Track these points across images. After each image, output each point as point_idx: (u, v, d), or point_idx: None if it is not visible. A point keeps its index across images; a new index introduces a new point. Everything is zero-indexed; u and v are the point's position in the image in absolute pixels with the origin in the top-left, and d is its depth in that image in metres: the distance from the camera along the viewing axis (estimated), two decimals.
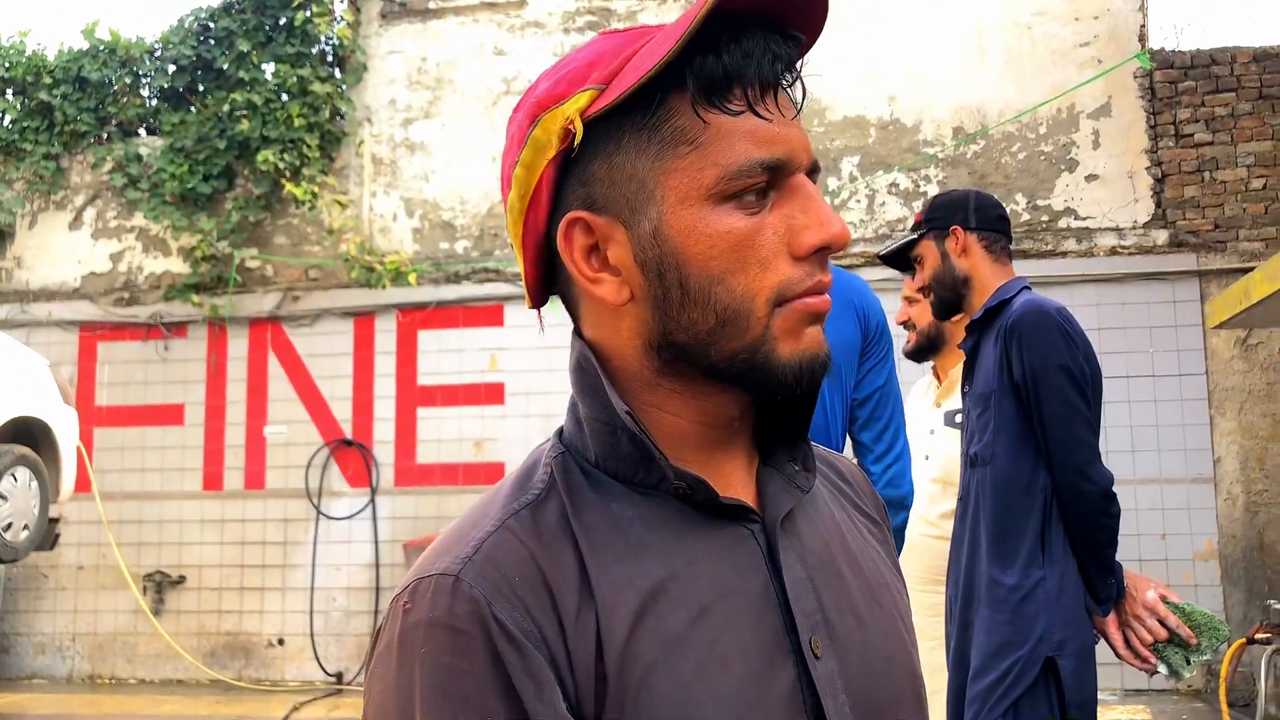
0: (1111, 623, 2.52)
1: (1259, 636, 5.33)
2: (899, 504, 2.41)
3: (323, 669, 7.94)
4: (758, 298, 0.77)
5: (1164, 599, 2.53)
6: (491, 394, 7.98)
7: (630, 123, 0.77)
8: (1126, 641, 2.52)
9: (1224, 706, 5.35)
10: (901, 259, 2.85)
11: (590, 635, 0.72)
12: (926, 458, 3.32)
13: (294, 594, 8.07)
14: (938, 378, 3.49)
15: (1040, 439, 2.48)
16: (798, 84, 0.80)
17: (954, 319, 2.88)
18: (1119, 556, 2.53)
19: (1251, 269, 6.34)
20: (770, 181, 0.77)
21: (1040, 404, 2.46)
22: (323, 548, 8.07)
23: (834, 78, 7.64)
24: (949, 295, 2.73)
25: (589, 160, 0.79)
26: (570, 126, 0.77)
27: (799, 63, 0.79)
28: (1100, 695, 2.59)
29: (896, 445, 2.43)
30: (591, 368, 0.81)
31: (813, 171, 0.81)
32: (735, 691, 0.73)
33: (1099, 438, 2.51)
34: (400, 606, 0.74)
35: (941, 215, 2.73)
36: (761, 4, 0.76)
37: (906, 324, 3.39)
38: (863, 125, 7.75)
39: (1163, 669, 2.50)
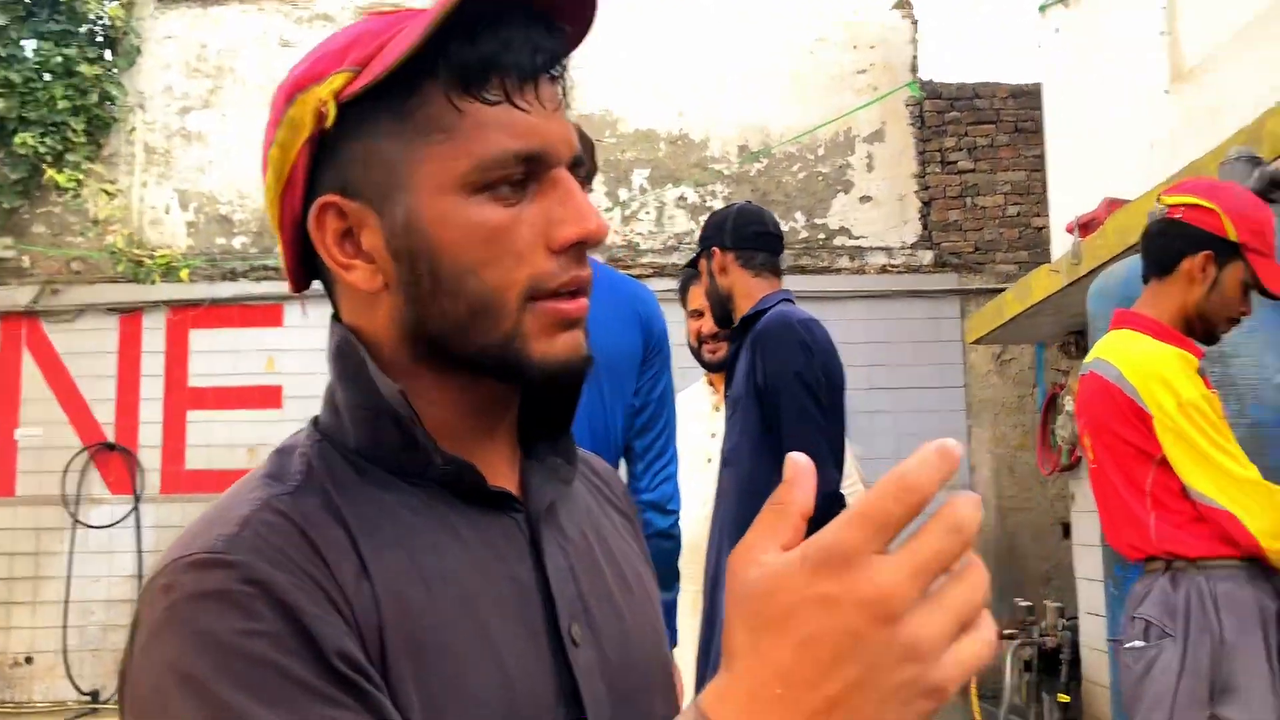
0: None
1: (1006, 632, 5.72)
2: (667, 509, 2.46)
3: (76, 688, 7.44)
4: (509, 290, 0.76)
5: None
6: (268, 397, 7.68)
7: (385, 107, 0.75)
8: None
9: (974, 699, 5.71)
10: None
11: (370, 609, 0.69)
12: (709, 460, 3.34)
13: (46, 608, 7.53)
14: (712, 384, 3.57)
15: (778, 442, 2.62)
16: (564, 76, 0.80)
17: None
18: None
19: (1006, 289, 6.81)
20: (529, 174, 0.77)
21: (779, 409, 2.62)
22: (80, 559, 7.57)
23: (625, 91, 7.74)
24: (719, 310, 2.94)
25: (344, 144, 0.77)
26: (323, 108, 0.75)
27: (564, 55, 0.79)
28: None
29: (667, 452, 2.49)
30: (354, 352, 0.79)
31: (576, 165, 0.80)
32: (506, 676, 0.73)
33: (838, 443, 2.66)
34: (158, 589, 0.67)
35: (705, 236, 2.95)
36: None
37: (718, 335, 3.36)
38: (653, 139, 7.89)
39: None
